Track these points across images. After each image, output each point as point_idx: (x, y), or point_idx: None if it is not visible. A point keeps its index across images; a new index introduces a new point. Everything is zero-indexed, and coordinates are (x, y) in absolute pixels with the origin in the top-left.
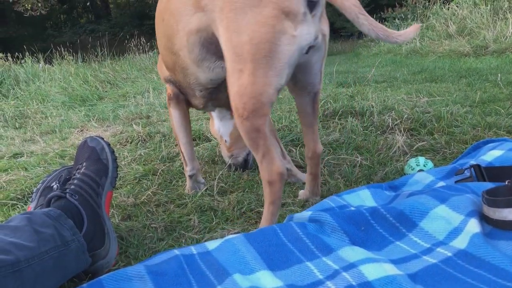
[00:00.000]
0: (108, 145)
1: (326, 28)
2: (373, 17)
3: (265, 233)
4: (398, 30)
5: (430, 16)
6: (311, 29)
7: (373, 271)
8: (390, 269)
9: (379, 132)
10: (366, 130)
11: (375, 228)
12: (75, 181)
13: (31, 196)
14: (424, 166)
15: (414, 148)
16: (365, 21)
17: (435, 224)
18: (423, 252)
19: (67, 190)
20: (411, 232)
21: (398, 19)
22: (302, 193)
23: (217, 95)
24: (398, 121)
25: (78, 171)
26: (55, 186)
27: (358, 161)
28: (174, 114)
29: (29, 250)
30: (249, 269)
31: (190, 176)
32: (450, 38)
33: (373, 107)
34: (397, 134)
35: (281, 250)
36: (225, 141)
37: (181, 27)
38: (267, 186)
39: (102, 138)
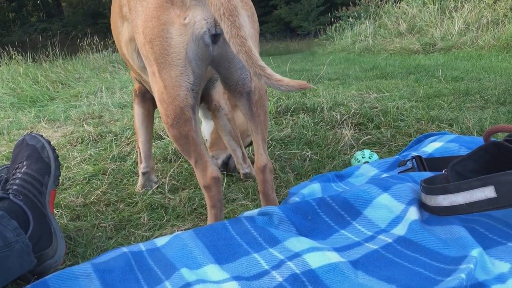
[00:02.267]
0: (49, 142)
1: (242, 11)
2: (328, 16)
3: (214, 228)
4: (351, 28)
5: (382, 14)
6: (206, 13)
7: (316, 259)
8: (333, 257)
9: (328, 127)
10: (317, 126)
11: (321, 217)
12: (17, 181)
13: None
14: (369, 158)
15: (361, 141)
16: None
17: (378, 213)
18: (365, 240)
19: (10, 191)
20: (355, 220)
21: (352, 18)
22: None
23: None
24: (346, 116)
25: (18, 170)
26: None
27: (308, 155)
28: (137, 111)
29: None
30: (197, 264)
31: (143, 174)
32: (401, 36)
33: (323, 103)
34: (345, 129)
35: (229, 243)
36: (206, 141)
37: (120, 38)
38: (205, 191)
39: (42, 136)
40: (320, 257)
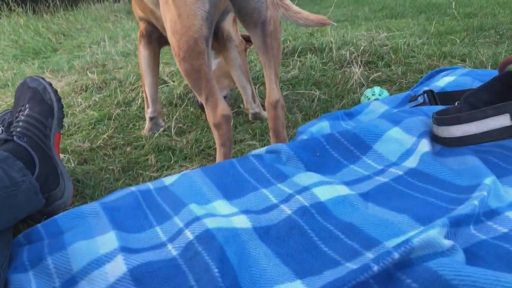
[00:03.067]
0: (50, 84)
1: None
2: None
3: (222, 166)
4: None
5: None
6: None
7: (326, 192)
8: (342, 190)
9: (337, 66)
10: (325, 66)
11: (330, 153)
12: (21, 123)
13: None
14: (379, 95)
15: (370, 79)
16: None
17: (388, 147)
18: (375, 173)
19: (14, 133)
20: (365, 155)
21: None
22: None
23: None
24: (356, 54)
25: (21, 113)
26: None
27: (316, 95)
28: (143, 53)
29: None
30: (205, 200)
31: (151, 118)
32: None
33: (332, 43)
34: (354, 67)
35: (237, 180)
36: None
37: None
38: (214, 129)
39: (43, 78)
40: (329, 190)
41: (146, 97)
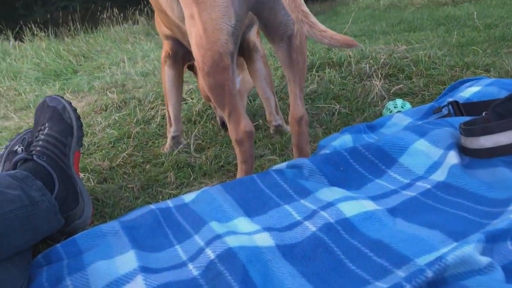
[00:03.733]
0: (70, 103)
1: None
2: None
3: (243, 182)
4: None
5: None
6: None
7: (351, 208)
8: (368, 205)
9: (357, 80)
10: (344, 80)
11: (354, 167)
12: (40, 143)
13: None
14: (402, 107)
15: (391, 91)
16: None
17: (415, 160)
18: (402, 188)
19: (33, 152)
20: (391, 168)
21: None
22: None
23: None
24: (376, 67)
25: (41, 132)
26: (19, 149)
27: (336, 109)
28: (168, 73)
29: None
30: (226, 217)
31: (173, 137)
32: None
33: (350, 57)
34: (375, 80)
35: (259, 196)
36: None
37: None
38: (236, 145)
39: (62, 97)
40: (355, 206)
41: (169, 117)
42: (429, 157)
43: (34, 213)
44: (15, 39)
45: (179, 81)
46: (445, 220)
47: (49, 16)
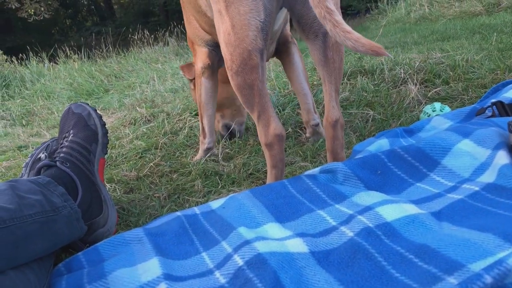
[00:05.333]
0: (95, 110)
1: None
2: None
3: (272, 187)
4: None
5: None
6: None
7: (392, 211)
8: (410, 209)
9: (390, 86)
10: (377, 87)
11: (392, 171)
12: (64, 149)
13: (21, 172)
14: (440, 111)
15: (428, 95)
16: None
17: (459, 161)
18: (447, 191)
19: (57, 158)
20: (433, 171)
21: None
22: None
23: None
24: (411, 71)
25: (65, 139)
26: (43, 156)
27: (371, 115)
28: (206, 85)
29: (7, 212)
30: (255, 223)
31: (207, 149)
32: (460, 0)
33: (383, 64)
34: (410, 85)
35: (290, 202)
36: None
37: None
38: (266, 149)
39: (88, 104)
40: (395, 210)
41: (204, 128)
42: (475, 158)
43: (55, 219)
44: (49, 61)
45: (215, 93)
46: (498, 223)
47: (83, 41)
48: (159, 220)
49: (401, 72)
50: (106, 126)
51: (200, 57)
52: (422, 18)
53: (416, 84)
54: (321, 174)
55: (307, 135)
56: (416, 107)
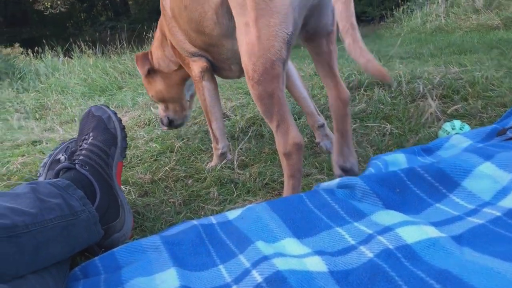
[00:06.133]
0: (115, 113)
1: None
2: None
3: (289, 201)
4: (421, 9)
5: None
6: None
7: (412, 233)
8: (431, 232)
9: (408, 100)
10: (395, 100)
11: (411, 190)
12: (83, 152)
13: (39, 171)
14: (460, 129)
15: (447, 112)
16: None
17: (480, 184)
18: (467, 214)
19: (76, 161)
20: (453, 192)
21: None
22: (332, 160)
23: None
24: (429, 86)
25: (85, 141)
26: (62, 158)
27: (388, 129)
28: (208, 87)
29: (28, 216)
30: (273, 237)
31: (222, 154)
32: (478, 12)
33: (401, 76)
34: (429, 100)
35: (308, 217)
36: (187, 102)
37: (208, 6)
38: (283, 158)
39: (108, 107)
40: (416, 232)
41: (214, 133)
42: (496, 181)
43: (74, 223)
44: (64, 55)
45: (217, 95)
46: None
47: (97, 36)
48: (176, 228)
49: (419, 86)
50: (125, 130)
51: (194, 65)
52: (438, 29)
53: (435, 100)
54: (339, 189)
55: (317, 140)
56: (435, 123)
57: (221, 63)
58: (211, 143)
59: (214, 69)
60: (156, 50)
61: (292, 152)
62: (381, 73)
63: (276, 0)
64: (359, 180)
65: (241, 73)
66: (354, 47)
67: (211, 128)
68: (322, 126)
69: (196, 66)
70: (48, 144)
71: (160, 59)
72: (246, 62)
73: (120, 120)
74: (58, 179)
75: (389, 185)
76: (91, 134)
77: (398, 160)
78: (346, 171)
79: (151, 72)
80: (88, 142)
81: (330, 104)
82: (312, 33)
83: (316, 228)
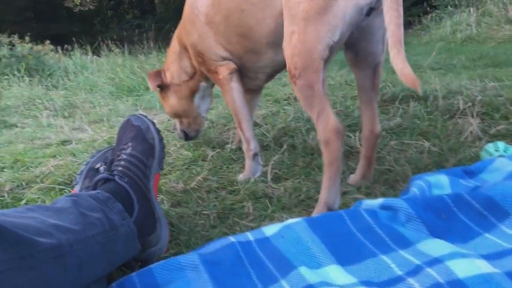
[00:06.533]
0: (153, 124)
1: None
2: (420, 6)
3: (330, 220)
4: (450, 17)
5: (487, 1)
6: None
7: (464, 267)
8: (483, 266)
9: (446, 116)
10: (431, 115)
11: (458, 217)
12: (122, 163)
13: (75, 179)
14: (504, 151)
15: (490, 133)
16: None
17: None
18: None
19: (115, 172)
20: (503, 222)
21: (451, 6)
22: (352, 178)
23: (274, 75)
24: (470, 104)
25: (123, 151)
26: (101, 168)
27: (426, 147)
28: (238, 88)
29: (72, 234)
30: (316, 263)
31: (255, 155)
32: (511, 23)
33: (437, 91)
34: (469, 118)
35: (350, 241)
36: (202, 117)
37: (269, 13)
38: (324, 146)
39: (146, 116)
40: (467, 265)
41: (245, 134)
42: None
43: (114, 238)
44: (93, 53)
45: (244, 97)
46: None
47: (125, 34)
48: (213, 245)
49: (458, 102)
50: (163, 140)
51: (224, 66)
52: (468, 38)
53: (474, 117)
54: (382, 211)
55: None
56: (477, 143)
57: (249, 71)
58: (242, 153)
59: None
60: (171, 65)
61: (331, 138)
62: (413, 81)
63: (328, 14)
64: (403, 202)
65: (264, 82)
66: (397, 56)
67: (241, 129)
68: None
69: (225, 69)
70: (78, 145)
71: (175, 72)
72: (289, 63)
73: (158, 131)
74: (97, 191)
75: (435, 210)
76: (129, 144)
77: (441, 182)
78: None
79: (165, 88)
80: (127, 152)
81: (363, 133)
82: (361, 57)
83: (360, 254)
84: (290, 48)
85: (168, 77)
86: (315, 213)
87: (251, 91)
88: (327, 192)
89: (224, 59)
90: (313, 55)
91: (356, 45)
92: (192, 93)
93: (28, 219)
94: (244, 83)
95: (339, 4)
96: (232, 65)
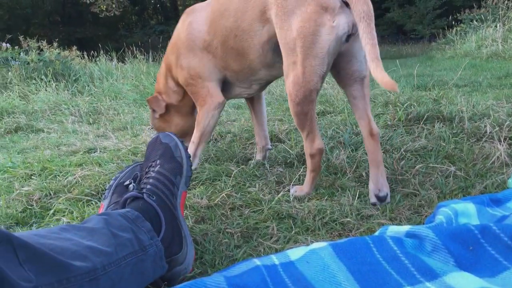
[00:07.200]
0: (181, 141)
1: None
2: (445, 19)
3: (355, 246)
4: (475, 32)
5: None
6: (348, 18)
7: None
8: None
9: (472, 140)
10: (457, 138)
11: (485, 249)
12: (151, 180)
13: (104, 193)
14: None
15: None
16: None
17: None
18: None
19: (144, 190)
20: None
21: (477, 21)
22: (369, 189)
23: (267, 85)
24: (497, 128)
25: (152, 168)
26: (130, 186)
27: (451, 171)
28: (217, 117)
29: (106, 256)
30: None
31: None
32: None
33: (462, 112)
34: (496, 143)
35: (376, 270)
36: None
37: (257, 41)
38: (309, 158)
39: (175, 135)
40: None
41: (196, 153)
42: None
43: (143, 258)
44: (118, 60)
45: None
46: None
47: (149, 40)
48: (238, 267)
49: (485, 126)
50: (191, 158)
51: (216, 93)
52: (494, 54)
53: (501, 142)
54: (408, 239)
55: (259, 158)
56: (504, 170)
57: (243, 83)
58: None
59: (226, 88)
60: (163, 87)
61: (316, 154)
62: (392, 86)
63: (317, 49)
64: (429, 231)
65: (258, 92)
66: (376, 69)
67: (197, 149)
68: (270, 149)
69: (216, 97)
70: (103, 153)
71: (170, 94)
72: (290, 89)
73: (186, 149)
74: (127, 209)
75: (462, 241)
76: (158, 161)
77: (468, 210)
78: (381, 200)
79: (166, 110)
80: (155, 170)
81: (364, 138)
82: (347, 77)
83: (386, 284)
84: (293, 76)
85: (166, 98)
86: (297, 190)
87: (252, 98)
88: (309, 186)
89: (218, 80)
90: (311, 86)
91: (339, 65)
92: (192, 108)
93: (64, 241)
94: (238, 92)
95: (324, 38)
96: (223, 98)
